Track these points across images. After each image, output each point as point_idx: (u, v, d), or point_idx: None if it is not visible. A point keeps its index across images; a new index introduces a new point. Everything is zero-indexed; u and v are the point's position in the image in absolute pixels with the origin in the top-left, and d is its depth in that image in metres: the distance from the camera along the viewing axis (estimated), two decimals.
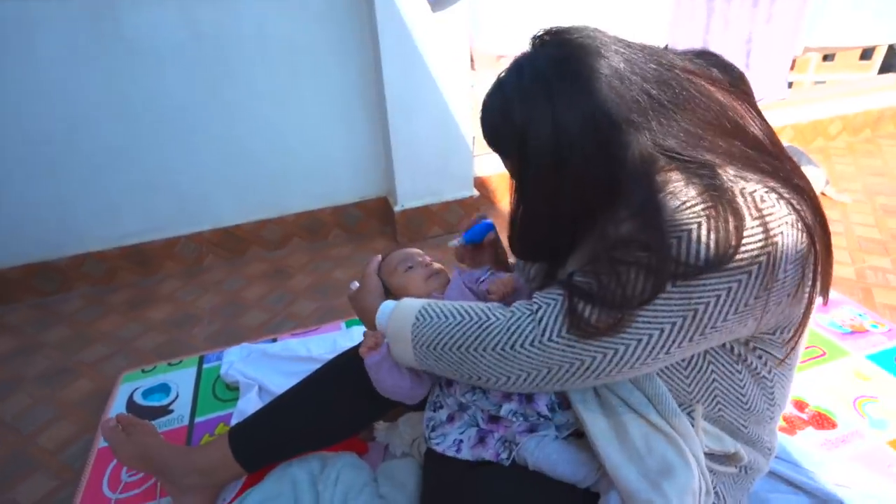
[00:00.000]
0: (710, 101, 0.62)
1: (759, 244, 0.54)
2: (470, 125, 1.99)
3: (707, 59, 0.71)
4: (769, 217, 0.55)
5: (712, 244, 0.53)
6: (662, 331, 0.57)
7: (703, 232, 0.54)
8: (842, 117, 2.78)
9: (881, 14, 2.44)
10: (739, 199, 0.55)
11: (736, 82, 0.69)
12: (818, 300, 0.62)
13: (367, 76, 1.89)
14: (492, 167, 2.27)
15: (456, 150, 2.01)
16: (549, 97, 0.60)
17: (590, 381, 0.63)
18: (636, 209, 0.58)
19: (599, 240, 0.63)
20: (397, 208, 2.03)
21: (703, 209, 0.54)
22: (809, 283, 0.59)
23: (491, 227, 0.96)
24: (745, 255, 0.54)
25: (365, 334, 0.82)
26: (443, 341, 0.68)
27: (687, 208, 0.55)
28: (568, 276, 0.63)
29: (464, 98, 1.91)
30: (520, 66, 0.64)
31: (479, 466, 0.76)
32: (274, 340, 1.52)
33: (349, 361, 0.97)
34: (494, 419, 0.79)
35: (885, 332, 1.44)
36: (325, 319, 1.63)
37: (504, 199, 2.34)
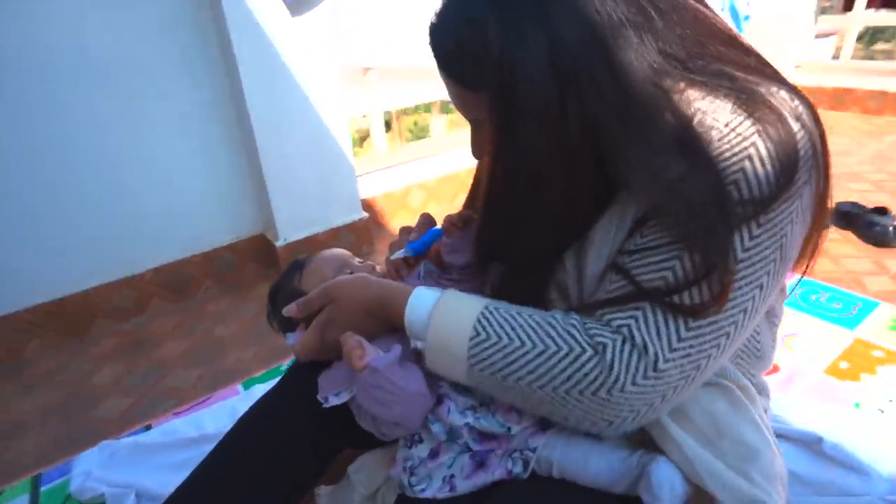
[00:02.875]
0: (699, 8, 0.53)
1: (807, 144, 0.47)
2: (349, 141, 1.82)
3: None
4: (803, 114, 0.47)
5: (777, 162, 0.45)
6: (762, 286, 0.48)
7: (763, 152, 0.45)
8: None
9: None
10: (773, 100, 0.47)
11: None
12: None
13: (224, 94, 1.63)
14: (376, 187, 2.11)
15: (337, 170, 1.82)
16: (539, 4, 0.46)
17: (701, 381, 0.51)
18: (671, 150, 0.46)
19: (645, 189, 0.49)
20: (279, 243, 1.76)
21: (750, 125, 0.46)
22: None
23: (441, 233, 0.76)
24: (802, 160, 0.46)
25: (346, 339, 0.58)
26: (516, 373, 0.51)
27: (732, 131, 0.46)
28: (626, 277, 0.50)
29: (339, 112, 1.74)
30: None
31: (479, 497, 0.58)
32: (147, 428, 1.16)
33: (275, 407, 0.72)
34: (488, 436, 0.61)
35: None
36: (216, 386, 1.30)
37: (393, 219, 2.18)
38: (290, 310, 0.63)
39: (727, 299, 0.46)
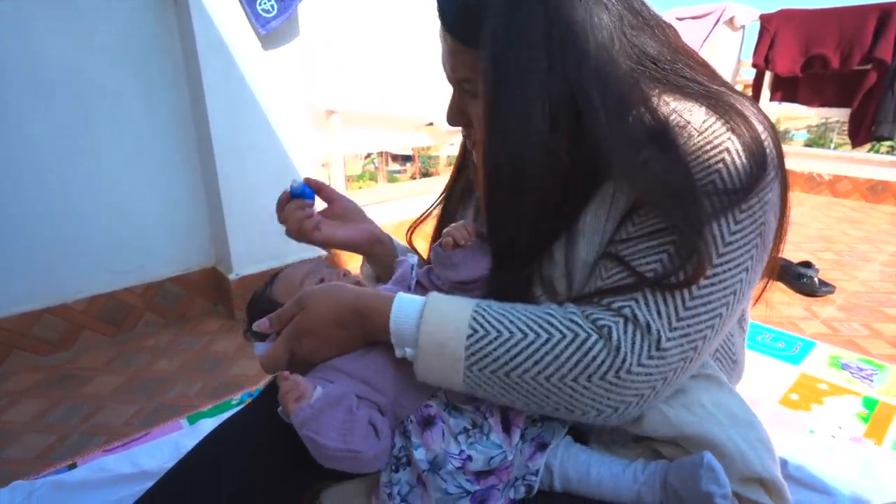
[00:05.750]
0: (678, 35, 0.58)
1: (771, 143, 0.51)
2: (313, 175, 1.80)
3: None
4: (764, 120, 0.53)
5: (750, 156, 0.49)
6: (747, 269, 0.50)
7: (739, 147, 0.49)
8: None
9: None
10: (740, 106, 0.51)
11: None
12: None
13: (186, 120, 1.59)
14: None
15: None
16: None
17: (694, 366, 0.52)
18: (649, 143, 0.49)
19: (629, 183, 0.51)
20: (232, 276, 1.67)
21: (722, 124, 0.50)
22: None
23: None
24: (769, 156, 0.50)
25: (280, 379, 0.54)
26: (521, 366, 0.49)
27: (708, 129, 0.50)
28: (621, 264, 0.50)
29: (304, 145, 1.74)
30: None
31: None
32: (72, 466, 1.01)
33: (244, 427, 0.65)
34: (486, 473, 0.57)
35: None
36: (154, 423, 1.17)
37: (351, 261, 2.14)
38: (261, 324, 0.58)
39: (705, 270, 0.48)
